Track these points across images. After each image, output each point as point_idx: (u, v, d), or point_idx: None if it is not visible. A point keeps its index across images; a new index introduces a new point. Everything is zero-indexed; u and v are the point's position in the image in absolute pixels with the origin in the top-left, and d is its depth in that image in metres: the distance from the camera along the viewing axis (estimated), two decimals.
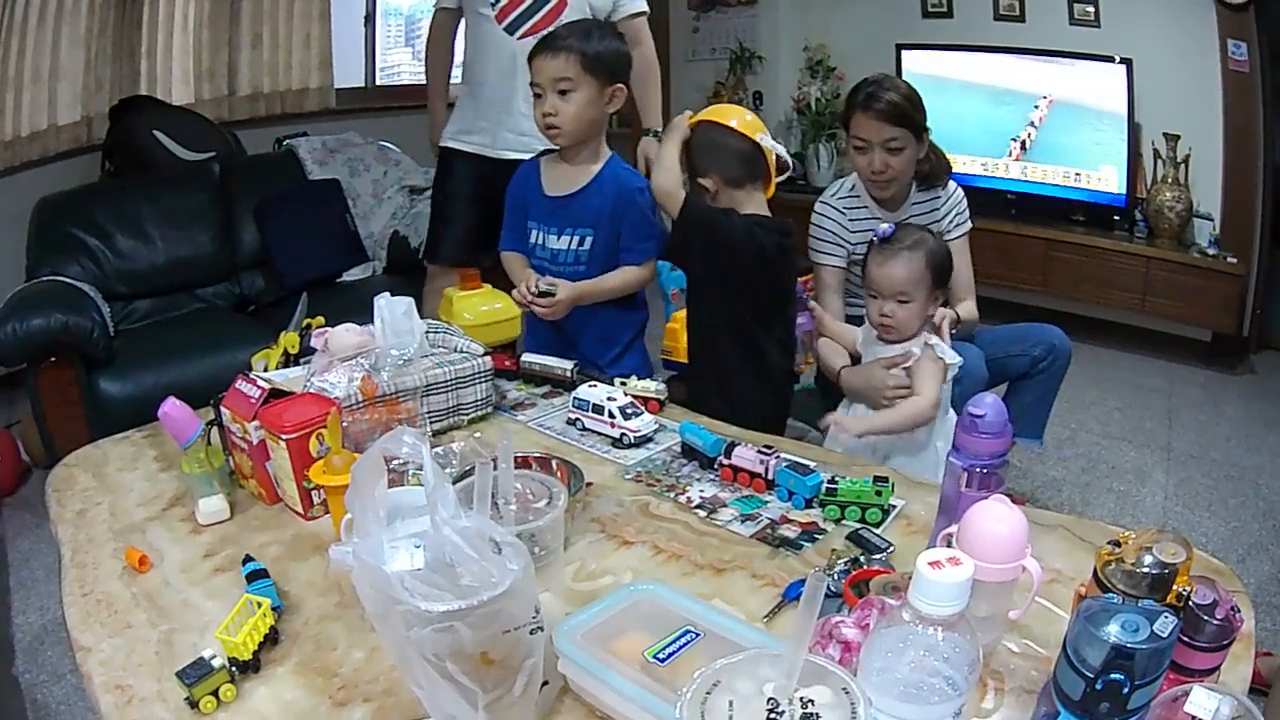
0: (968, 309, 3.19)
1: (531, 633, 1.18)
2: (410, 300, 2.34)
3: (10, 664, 3.10)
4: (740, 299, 2.75)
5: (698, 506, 1.99)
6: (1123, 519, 3.98)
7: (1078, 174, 6.29)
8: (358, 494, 1.16)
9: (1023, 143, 6.46)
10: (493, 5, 3.68)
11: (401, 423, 2.09)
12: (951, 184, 3.34)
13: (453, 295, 3.10)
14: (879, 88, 3.09)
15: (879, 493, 1.90)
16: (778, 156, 2.88)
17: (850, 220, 3.23)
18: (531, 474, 1.68)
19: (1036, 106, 6.38)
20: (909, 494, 2.01)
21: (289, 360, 2.50)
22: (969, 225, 3.33)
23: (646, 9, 3.90)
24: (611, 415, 2.32)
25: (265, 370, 2.41)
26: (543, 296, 2.80)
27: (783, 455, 2.05)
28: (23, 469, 4.39)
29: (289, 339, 2.54)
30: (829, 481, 1.94)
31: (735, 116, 2.91)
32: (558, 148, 2.96)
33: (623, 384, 2.52)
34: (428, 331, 2.42)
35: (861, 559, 1.69)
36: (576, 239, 2.97)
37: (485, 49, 3.78)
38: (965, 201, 3.33)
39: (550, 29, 3.38)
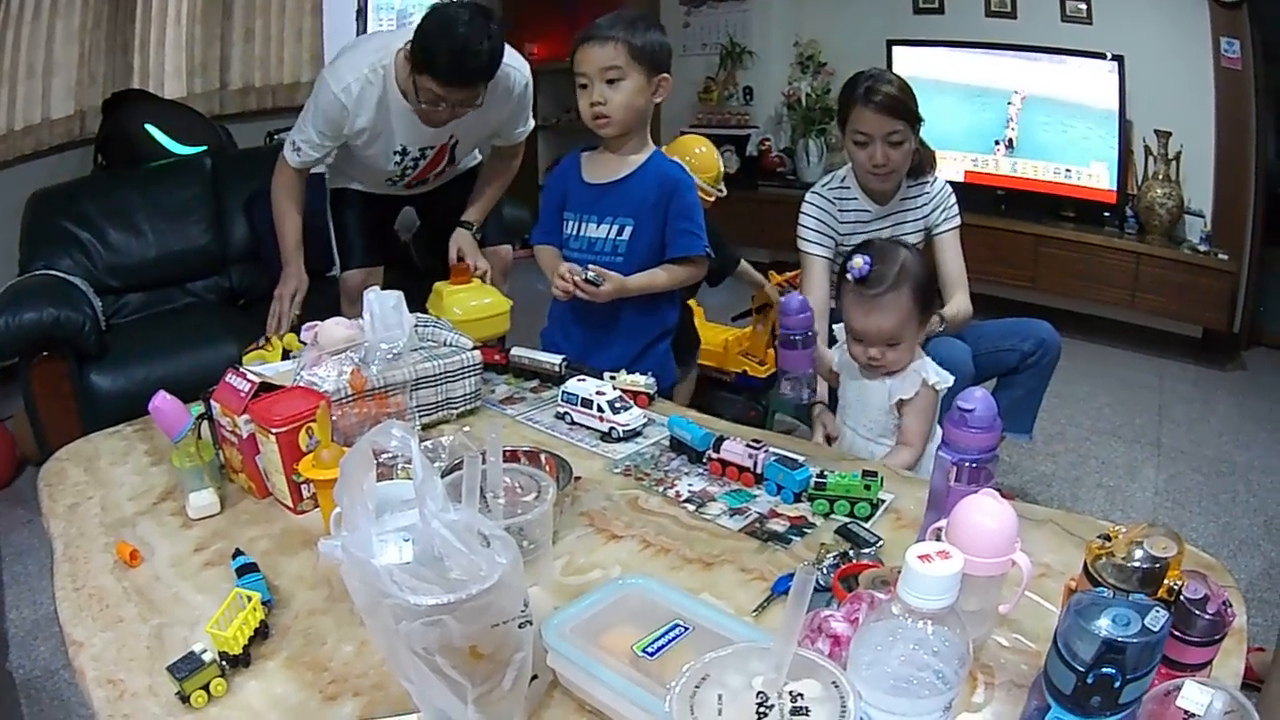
0: (960, 304, 3.21)
1: (520, 626, 1.18)
2: (399, 294, 2.34)
3: (4, 659, 3.09)
4: None
5: (686, 501, 1.99)
6: (1112, 514, 3.99)
7: (1068, 170, 6.30)
8: (347, 487, 1.16)
9: (1009, 141, 6.49)
10: (401, 178, 3.90)
11: (390, 416, 2.08)
12: (939, 179, 3.35)
13: (443, 290, 3.11)
14: (877, 81, 3.10)
15: (868, 487, 1.91)
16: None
17: (840, 211, 3.26)
18: (520, 468, 1.68)
19: (1010, 102, 6.42)
20: (898, 488, 2.01)
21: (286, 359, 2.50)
22: (958, 220, 3.33)
23: (532, 125, 4.02)
24: (600, 409, 2.33)
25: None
26: (589, 284, 2.76)
27: (771, 449, 2.06)
28: (19, 462, 4.39)
29: (290, 339, 2.54)
30: (818, 475, 1.95)
31: (682, 146, 4.18)
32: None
33: (611, 378, 2.52)
34: (417, 325, 2.43)
35: (850, 553, 1.69)
36: (616, 228, 2.92)
37: (384, 191, 4.03)
38: (953, 196, 3.34)
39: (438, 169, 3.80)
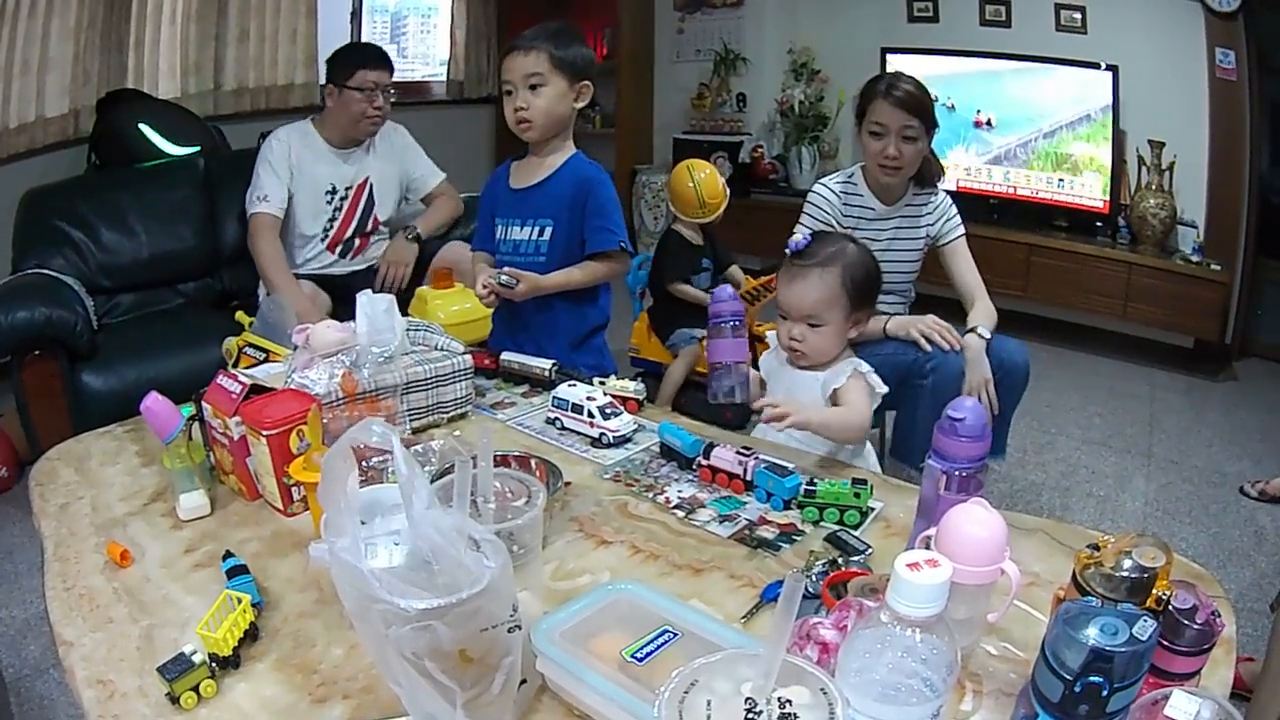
0: (984, 310, 3.26)
1: (510, 631, 1.18)
2: (391, 298, 2.34)
3: None
4: None
5: (676, 507, 1.99)
6: (1102, 524, 3.99)
7: (1061, 180, 6.31)
8: (329, 485, 1.16)
9: (998, 156, 6.52)
10: (331, 225, 4.40)
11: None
12: (941, 191, 3.40)
13: (426, 295, 3.17)
14: (898, 78, 3.20)
15: (858, 494, 1.91)
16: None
17: (844, 205, 3.31)
18: (510, 472, 1.68)
19: (1003, 110, 6.45)
20: (888, 496, 2.02)
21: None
22: (963, 229, 3.39)
23: (443, 175, 4.81)
24: (590, 415, 2.33)
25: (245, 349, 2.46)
26: (504, 287, 2.89)
27: (762, 456, 2.06)
28: (18, 464, 4.38)
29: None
30: (808, 483, 1.95)
31: (674, 175, 4.49)
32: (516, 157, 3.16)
33: (602, 384, 2.52)
34: (408, 329, 2.43)
35: (840, 561, 1.69)
36: (537, 229, 3.08)
37: (322, 265, 4.46)
38: (954, 207, 3.39)
39: (369, 249, 4.48)
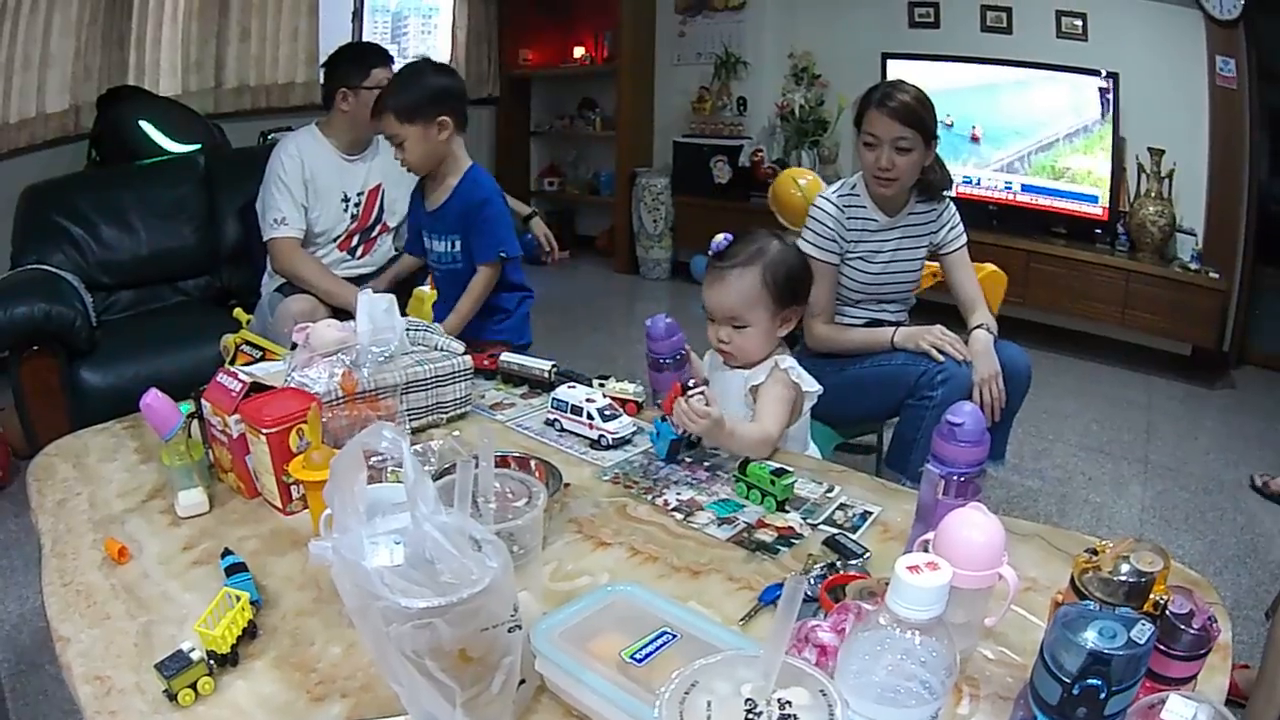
0: (982, 318, 3.25)
1: (510, 631, 1.18)
2: (392, 297, 2.36)
3: None
4: None
5: (675, 509, 2.00)
6: (1099, 531, 3.98)
7: (1061, 187, 6.31)
8: (337, 488, 1.16)
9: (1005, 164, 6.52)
10: (350, 224, 4.34)
11: (380, 419, 2.09)
12: (946, 199, 3.36)
13: (423, 295, 3.22)
14: (894, 88, 3.14)
15: (773, 482, 1.99)
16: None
17: (847, 218, 3.24)
18: (511, 473, 1.68)
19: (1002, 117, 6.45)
20: (885, 500, 2.02)
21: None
22: (965, 239, 3.37)
23: None
24: (590, 417, 2.33)
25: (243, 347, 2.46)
26: None
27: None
28: (10, 460, 4.37)
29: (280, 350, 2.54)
30: (741, 460, 2.07)
31: (784, 181, 4.66)
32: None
33: (601, 385, 2.52)
34: (408, 329, 2.43)
35: (838, 564, 1.69)
36: (449, 242, 3.56)
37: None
38: (958, 215, 3.36)
39: (374, 250, 4.44)
